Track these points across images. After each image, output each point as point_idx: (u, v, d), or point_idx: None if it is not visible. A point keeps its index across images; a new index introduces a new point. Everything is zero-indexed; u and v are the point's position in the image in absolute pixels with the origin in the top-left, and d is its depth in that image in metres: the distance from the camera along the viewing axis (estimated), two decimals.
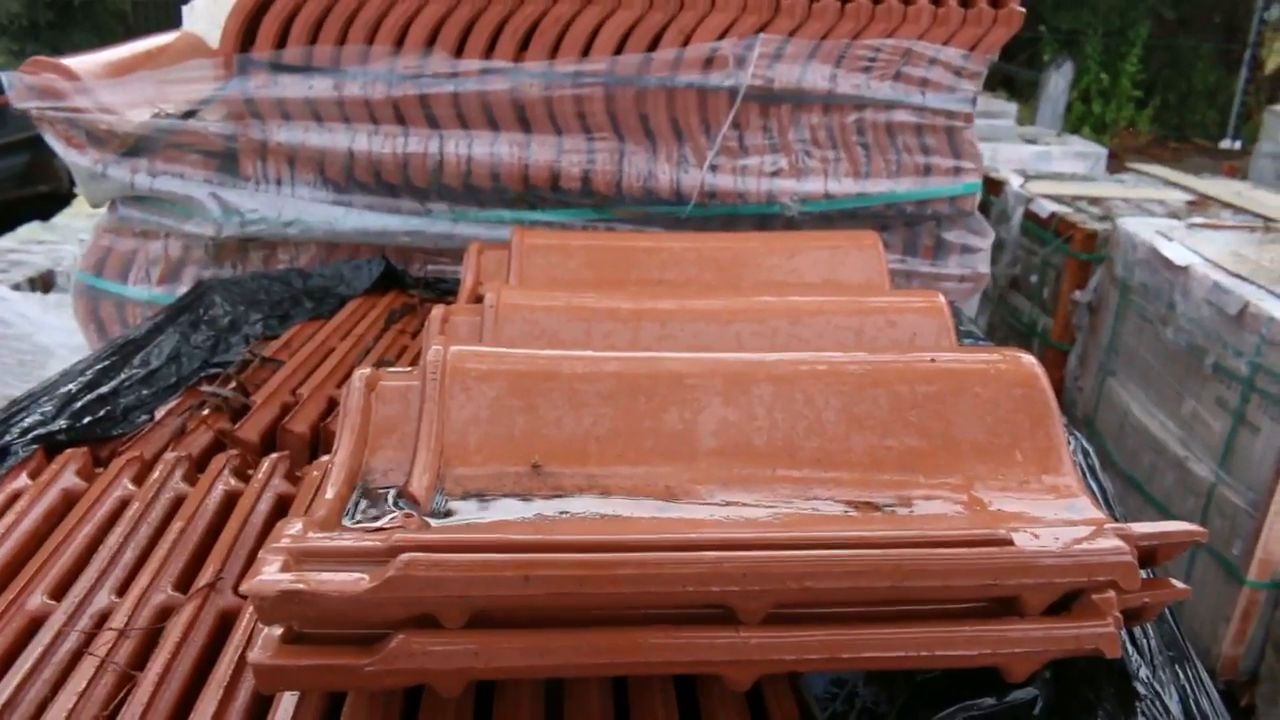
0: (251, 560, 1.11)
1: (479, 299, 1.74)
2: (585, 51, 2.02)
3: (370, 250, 2.15)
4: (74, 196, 5.80)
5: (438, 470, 1.01)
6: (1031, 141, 7.70)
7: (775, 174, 2.07)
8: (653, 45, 2.02)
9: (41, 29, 11.30)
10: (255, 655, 0.77)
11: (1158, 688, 0.88)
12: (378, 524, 0.91)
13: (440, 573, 0.74)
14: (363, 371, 1.10)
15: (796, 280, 1.78)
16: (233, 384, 1.58)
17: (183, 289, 2.22)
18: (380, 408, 1.08)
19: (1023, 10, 2.09)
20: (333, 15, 2.05)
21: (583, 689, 0.89)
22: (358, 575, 0.74)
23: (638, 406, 1.08)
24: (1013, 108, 7.68)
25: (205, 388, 1.58)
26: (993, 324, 5.23)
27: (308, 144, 2.08)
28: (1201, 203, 5.22)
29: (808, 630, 0.78)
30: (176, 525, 1.13)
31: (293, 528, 0.83)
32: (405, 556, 0.74)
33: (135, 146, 2.13)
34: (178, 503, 1.19)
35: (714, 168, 2.08)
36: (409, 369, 1.13)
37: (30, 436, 1.33)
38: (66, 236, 4.16)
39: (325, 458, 1.31)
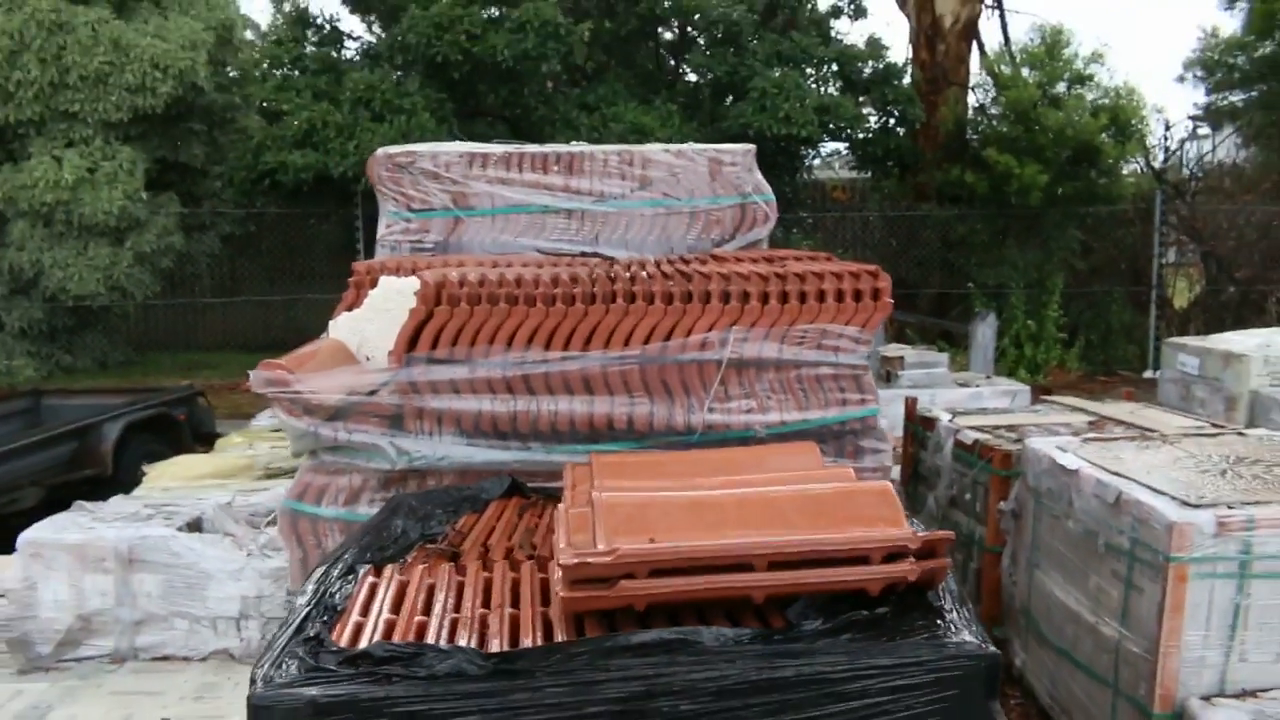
0: (533, 586, 2.40)
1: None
2: (626, 342, 3.49)
3: (488, 473, 3.50)
4: (116, 481, 6.90)
5: (608, 541, 2.33)
6: (964, 385, 9.29)
7: (748, 411, 3.50)
8: (668, 336, 3.49)
9: (59, 333, 12.94)
10: (562, 592, 2.06)
11: (951, 616, 2.17)
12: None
13: (634, 552, 2.05)
14: (561, 506, 2.44)
15: (770, 470, 3.15)
16: (446, 542, 2.89)
17: (361, 509, 3.55)
18: (571, 514, 2.41)
19: (891, 301, 3.60)
20: (466, 328, 3.51)
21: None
22: (605, 559, 2.04)
23: (695, 510, 2.42)
24: (944, 357, 9.33)
25: (429, 546, 2.88)
26: None
27: (452, 408, 3.49)
28: (1100, 423, 6.65)
29: (785, 572, 2.09)
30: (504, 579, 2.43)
31: (570, 557, 2.13)
32: (624, 545, 2.05)
33: (336, 413, 3.52)
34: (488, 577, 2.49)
35: (710, 410, 3.50)
36: (588, 505, 2.45)
37: (364, 562, 2.62)
38: (174, 498, 5.39)
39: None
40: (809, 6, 14.59)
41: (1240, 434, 5.82)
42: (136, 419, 8.11)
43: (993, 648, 2.14)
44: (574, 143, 5.39)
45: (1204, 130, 16.65)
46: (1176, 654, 3.89)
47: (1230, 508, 4.02)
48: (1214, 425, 6.50)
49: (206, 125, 13.70)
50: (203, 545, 4.49)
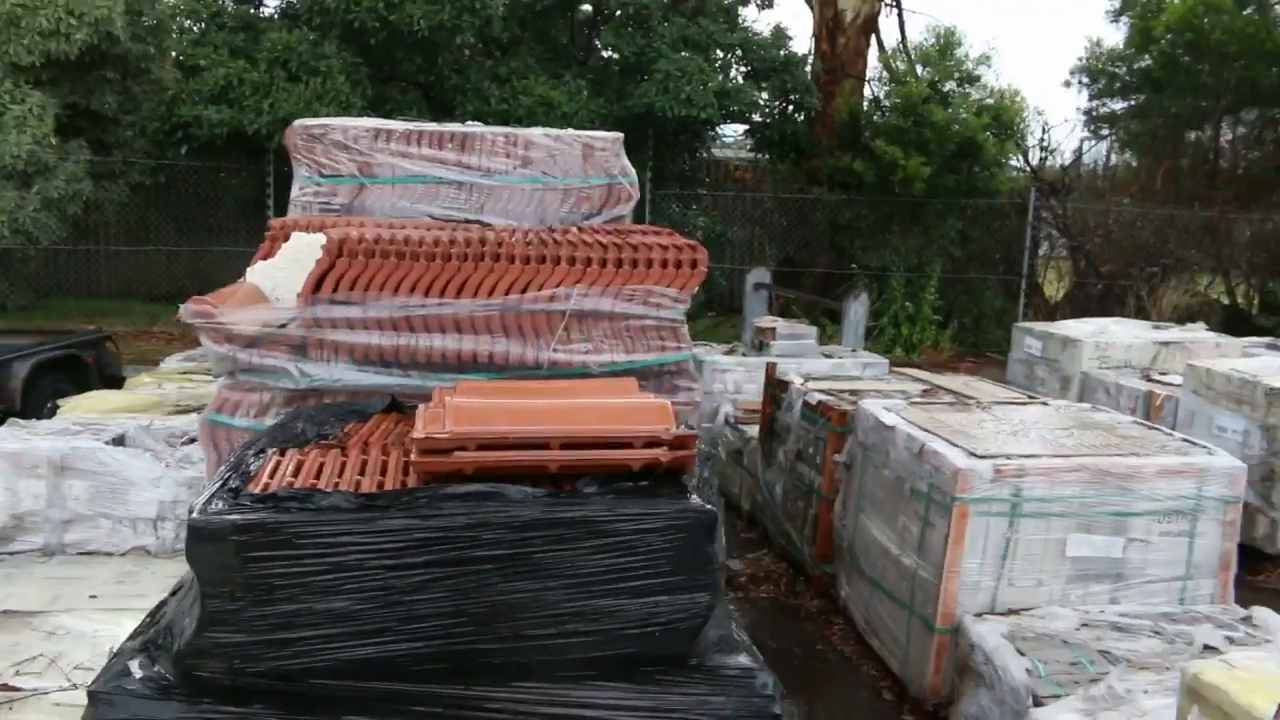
0: (398, 465, 3.38)
1: None
2: (490, 293, 4.48)
3: (374, 394, 4.46)
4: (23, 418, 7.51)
5: (452, 424, 3.31)
6: (829, 356, 10.41)
7: (586, 352, 4.52)
8: (524, 290, 4.49)
9: None
10: (414, 459, 3.05)
11: (691, 490, 3.20)
12: None
13: (465, 431, 3.04)
14: (429, 403, 3.42)
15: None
16: (336, 440, 3.85)
17: (268, 420, 4.48)
18: (428, 413, 3.40)
19: (705, 270, 4.64)
20: (362, 277, 4.47)
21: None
22: (445, 435, 3.03)
23: (520, 412, 3.42)
24: (813, 330, 10.48)
25: (322, 442, 3.84)
26: (786, 489, 7.47)
27: (347, 341, 4.45)
28: (932, 391, 7.71)
29: (571, 451, 3.10)
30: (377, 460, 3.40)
31: (421, 433, 3.12)
32: (460, 429, 3.03)
33: (252, 341, 4.45)
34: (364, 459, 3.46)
35: (555, 350, 4.52)
36: (441, 406, 3.43)
37: (274, 447, 3.58)
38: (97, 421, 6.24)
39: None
40: None
41: (1044, 404, 6.92)
42: (45, 359, 8.71)
43: (710, 508, 3.18)
44: (468, 123, 6.34)
45: (1085, 133, 18.19)
46: (957, 578, 4.76)
47: (1008, 458, 4.93)
48: (1029, 396, 7.66)
49: (120, 74, 14.21)
50: (127, 456, 5.40)
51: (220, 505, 3.04)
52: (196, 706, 3.06)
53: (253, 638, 3.01)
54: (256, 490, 3.16)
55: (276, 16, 15.14)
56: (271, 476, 3.32)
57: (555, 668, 3.15)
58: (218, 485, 3.22)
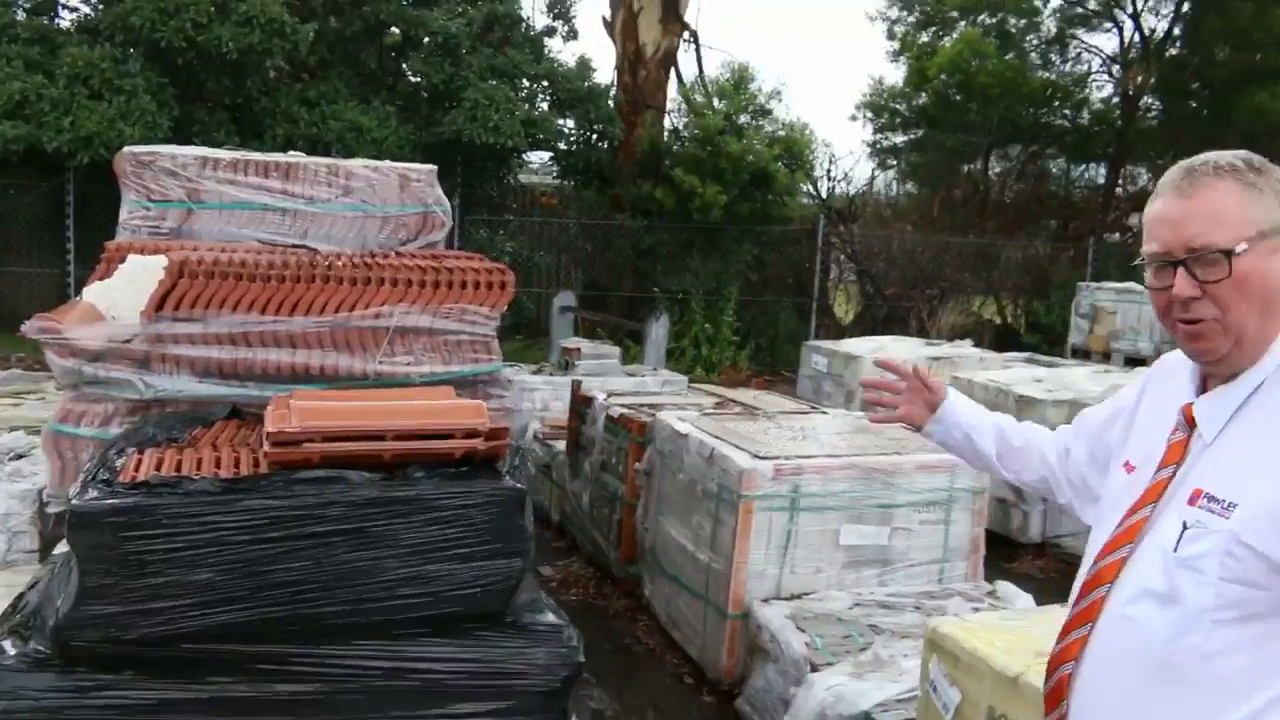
0: (248, 461, 3.97)
1: None
2: (321, 311, 5.10)
3: (217, 403, 5.00)
4: None
5: (299, 420, 3.94)
6: (632, 374, 11.29)
7: (408, 364, 5.19)
8: (352, 308, 5.13)
9: None
10: (267, 451, 3.66)
11: (505, 474, 3.92)
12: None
13: (313, 425, 3.67)
14: (271, 407, 4.03)
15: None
16: (186, 442, 4.39)
17: (112, 429, 4.95)
18: (274, 413, 4.01)
19: (512, 290, 5.38)
20: (202, 296, 5.01)
21: None
22: (295, 428, 3.66)
23: (358, 411, 4.07)
24: (617, 350, 11.35)
25: (173, 444, 4.38)
26: (592, 498, 8.20)
27: (188, 354, 4.98)
28: (724, 403, 8.60)
29: (402, 442, 3.79)
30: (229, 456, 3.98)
31: (273, 428, 3.73)
32: (307, 423, 3.67)
33: (96, 355, 4.92)
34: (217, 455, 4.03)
35: (381, 362, 5.17)
36: (286, 408, 4.04)
37: (131, 447, 4.11)
38: None
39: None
40: (524, 26, 16.44)
41: (823, 413, 7.90)
42: None
43: (520, 487, 3.91)
44: (291, 153, 6.91)
45: (873, 164, 19.88)
46: (745, 568, 5.35)
47: (786, 459, 5.62)
48: (811, 407, 8.65)
49: None
50: None
51: (96, 493, 3.58)
52: (71, 675, 3.55)
53: (126, 608, 3.53)
54: (127, 480, 3.71)
55: (74, 30, 15.05)
56: (136, 471, 3.86)
57: (392, 627, 3.78)
58: (89, 478, 3.75)
